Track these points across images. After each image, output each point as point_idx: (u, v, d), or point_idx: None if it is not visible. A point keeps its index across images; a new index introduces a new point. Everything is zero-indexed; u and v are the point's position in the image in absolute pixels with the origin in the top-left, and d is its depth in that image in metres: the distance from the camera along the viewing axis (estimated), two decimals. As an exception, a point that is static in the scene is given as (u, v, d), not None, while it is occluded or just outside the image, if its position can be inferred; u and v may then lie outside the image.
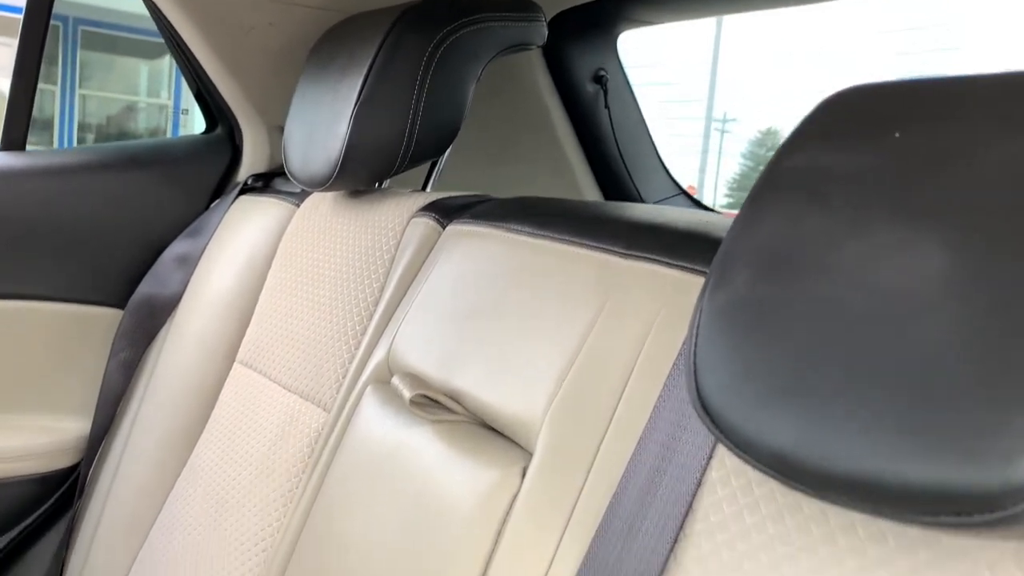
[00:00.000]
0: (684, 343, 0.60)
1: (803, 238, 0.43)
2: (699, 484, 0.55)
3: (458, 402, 0.75)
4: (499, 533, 0.65)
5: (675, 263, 0.65)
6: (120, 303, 1.35)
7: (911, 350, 0.37)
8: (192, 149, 1.41)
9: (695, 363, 0.46)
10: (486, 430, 0.74)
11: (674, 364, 0.60)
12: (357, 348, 0.95)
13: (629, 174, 1.43)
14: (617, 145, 1.42)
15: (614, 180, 1.45)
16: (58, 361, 1.34)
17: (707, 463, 0.56)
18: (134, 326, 1.32)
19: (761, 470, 0.42)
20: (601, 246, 0.71)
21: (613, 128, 1.41)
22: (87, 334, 1.35)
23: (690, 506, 0.55)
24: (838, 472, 0.37)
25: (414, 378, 0.77)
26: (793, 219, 0.44)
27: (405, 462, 0.76)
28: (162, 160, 1.37)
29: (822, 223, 0.43)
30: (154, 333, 1.32)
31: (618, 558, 0.57)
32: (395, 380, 0.78)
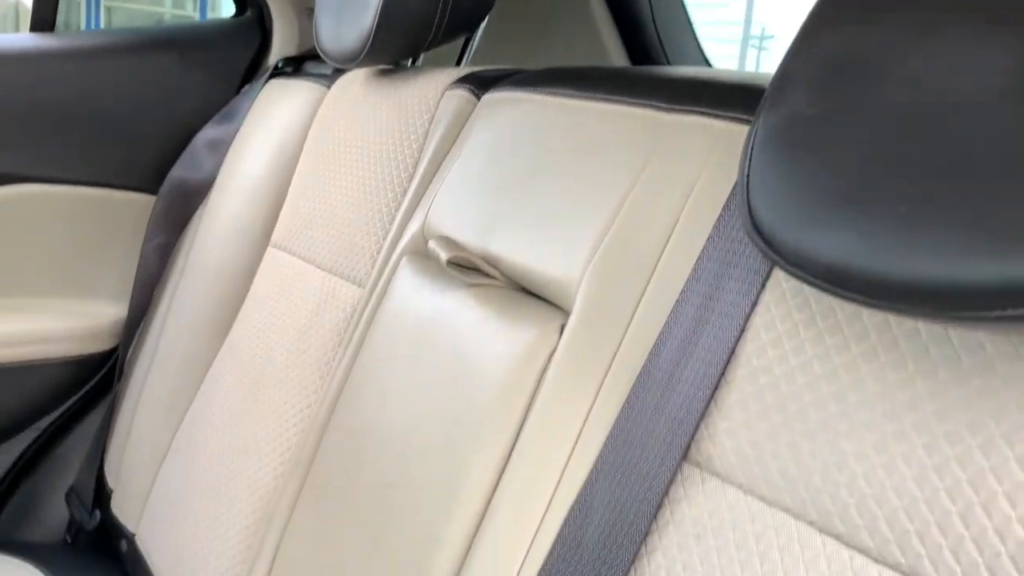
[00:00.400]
0: (733, 190, 0.58)
1: (866, 49, 0.41)
2: (742, 331, 0.54)
3: (495, 267, 0.74)
4: (536, 389, 0.65)
5: (724, 114, 0.63)
6: (152, 188, 1.35)
7: (980, 151, 0.35)
8: (222, 33, 1.38)
9: (748, 185, 0.44)
10: (523, 294, 0.73)
11: (720, 216, 0.59)
12: (391, 223, 0.94)
13: (668, 61, 1.39)
14: (656, 30, 1.38)
15: (652, 65, 1.41)
16: (93, 246, 1.34)
17: (751, 309, 0.55)
18: (167, 211, 1.32)
19: (818, 286, 0.41)
20: (644, 102, 0.69)
21: (652, 11, 1.37)
22: (121, 219, 1.35)
23: (732, 352, 0.54)
24: (899, 276, 0.36)
25: (451, 241, 0.77)
26: (856, 32, 0.42)
27: (441, 328, 0.76)
28: (192, 44, 1.35)
29: (886, 33, 0.40)
30: (188, 218, 1.32)
31: (656, 407, 0.57)
32: (431, 243, 0.77)
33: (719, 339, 0.55)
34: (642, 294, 0.61)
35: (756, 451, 0.51)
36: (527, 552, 0.60)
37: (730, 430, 0.53)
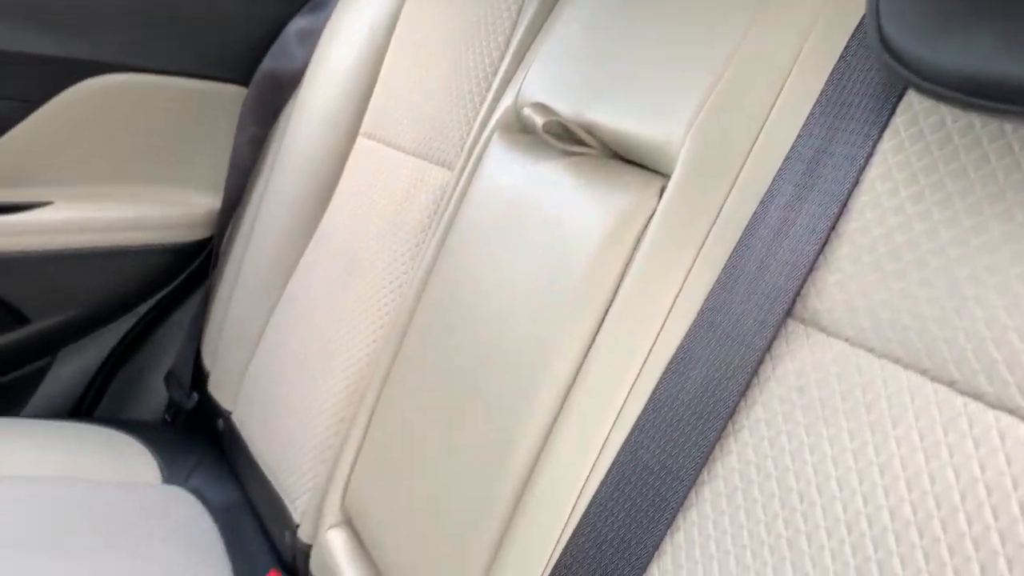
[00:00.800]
0: (850, 39, 0.55)
1: None
2: (856, 183, 0.52)
3: (591, 134, 0.73)
4: (632, 253, 0.64)
5: None
6: (244, 80, 1.36)
7: None
8: (312, -79, 1.37)
9: (878, 10, 0.42)
10: (620, 162, 0.72)
11: (835, 66, 0.56)
12: (482, 103, 0.93)
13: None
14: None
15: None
16: (187, 136, 1.37)
17: (866, 161, 0.52)
18: (259, 102, 1.33)
19: (956, 100, 0.38)
20: None
21: None
22: (214, 110, 1.37)
23: (844, 206, 0.53)
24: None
25: (546, 107, 0.75)
26: None
27: (533, 199, 0.75)
28: (282, -68, 1.35)
29: None
30: (279, 109, 1.33)
31: (761, 264, 0.56)
32: (526, 110, 0.76)
33: (830, 193, 0.53)
34: (749, 151, 0.59)
35: (867, 303, 0.50)
36: (620, 411, 0.60)
37: (840, 283, 0.51)
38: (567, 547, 0.58)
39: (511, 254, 0.75)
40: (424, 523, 0.73)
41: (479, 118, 0.92)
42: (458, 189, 0.89)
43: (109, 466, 1.16)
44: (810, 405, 0.50)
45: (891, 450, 0.45)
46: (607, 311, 0.64)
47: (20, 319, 1.28)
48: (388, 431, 0.84)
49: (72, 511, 1.04)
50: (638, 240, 0.64)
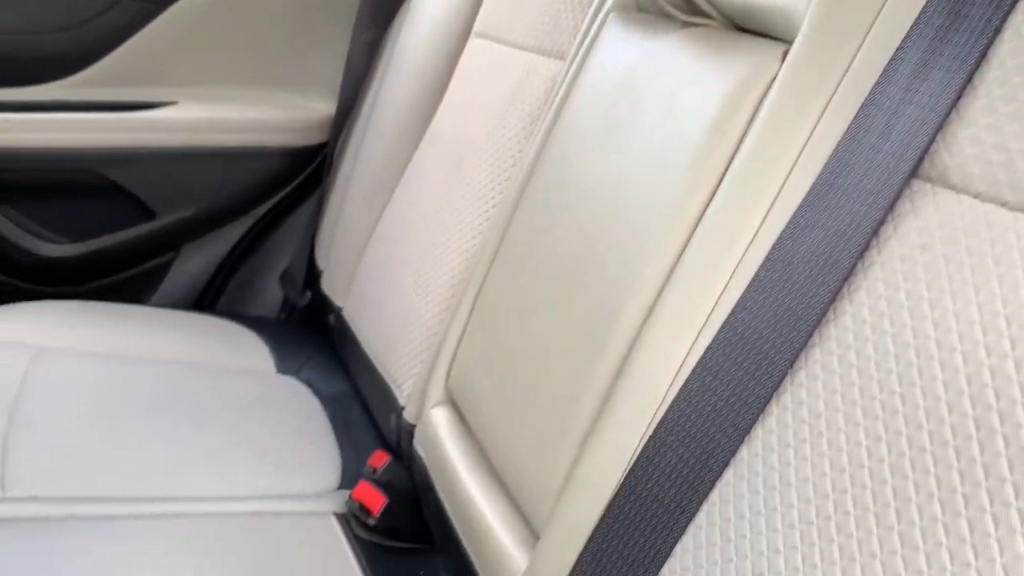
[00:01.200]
0: None
1: None
2: (998, 31, 0.49)
3: (711, 4, 0.70)
4: (751, 119, 0.62)
5: None
6: (362, -16, 1.37)
7: None
8: None
9: None
10: (741, 32, 0.69)
11: None
12: None
13: None
14: None
15: None
16: (304, 41, 1.39)
17: (1012, 6, 0.49)
18: (374, 5, 1.34)
19: None
20: None
21: None
22: (330, 15, 1.38)
23: (983, 55, 0.49)
24: None
25: (665, -24, 0.73)
26: None
27: (650, 75, 0.73)
28: None
29: None
30: (394, 12, 1.33)
31: (887, 123, 0.53)
32: None
33: (968, 44, 0.50)
34: (881, 7, 0.56)
35: (1002, 155, 0.47)
36: (730, 275, 0.59)
37: (973, 137, 0.48)
38: (668, 411, 0.58)
39: (624, 132, 0.74)
40: (524, 398, 0.74)
41: (595, 1, 0.90)
42: (569, 75, 0.88)
43: (227, 355, 1.22)
44: (933, 262, 0.48)
45: (1021, 301, 0.43)
46: (721, 180, 0.62)
47: (147, 213, 1.34)
48: (492, 314, 0.85)
49: (193, 392, 1.09)
50: (758, 105, 0.62)
